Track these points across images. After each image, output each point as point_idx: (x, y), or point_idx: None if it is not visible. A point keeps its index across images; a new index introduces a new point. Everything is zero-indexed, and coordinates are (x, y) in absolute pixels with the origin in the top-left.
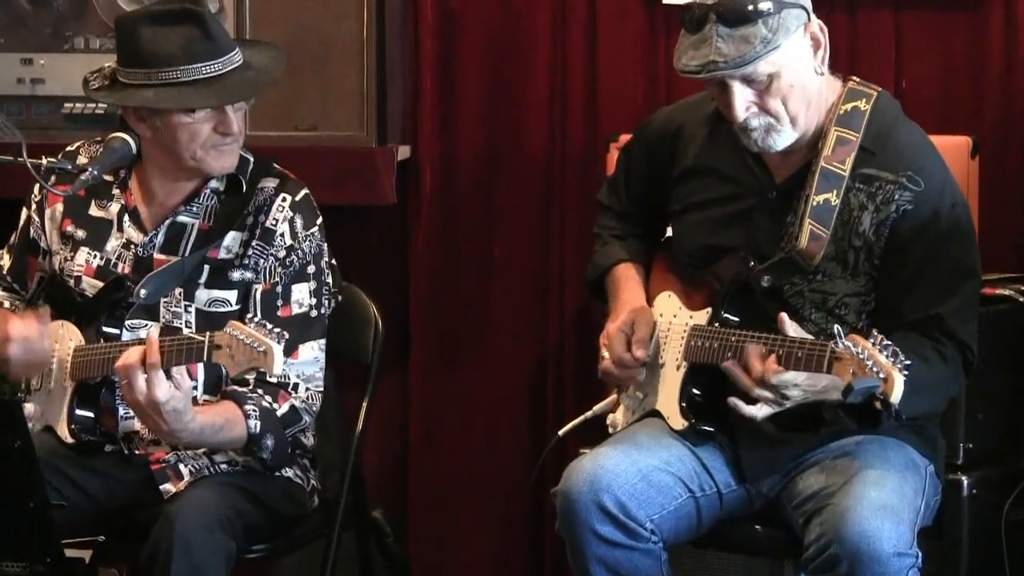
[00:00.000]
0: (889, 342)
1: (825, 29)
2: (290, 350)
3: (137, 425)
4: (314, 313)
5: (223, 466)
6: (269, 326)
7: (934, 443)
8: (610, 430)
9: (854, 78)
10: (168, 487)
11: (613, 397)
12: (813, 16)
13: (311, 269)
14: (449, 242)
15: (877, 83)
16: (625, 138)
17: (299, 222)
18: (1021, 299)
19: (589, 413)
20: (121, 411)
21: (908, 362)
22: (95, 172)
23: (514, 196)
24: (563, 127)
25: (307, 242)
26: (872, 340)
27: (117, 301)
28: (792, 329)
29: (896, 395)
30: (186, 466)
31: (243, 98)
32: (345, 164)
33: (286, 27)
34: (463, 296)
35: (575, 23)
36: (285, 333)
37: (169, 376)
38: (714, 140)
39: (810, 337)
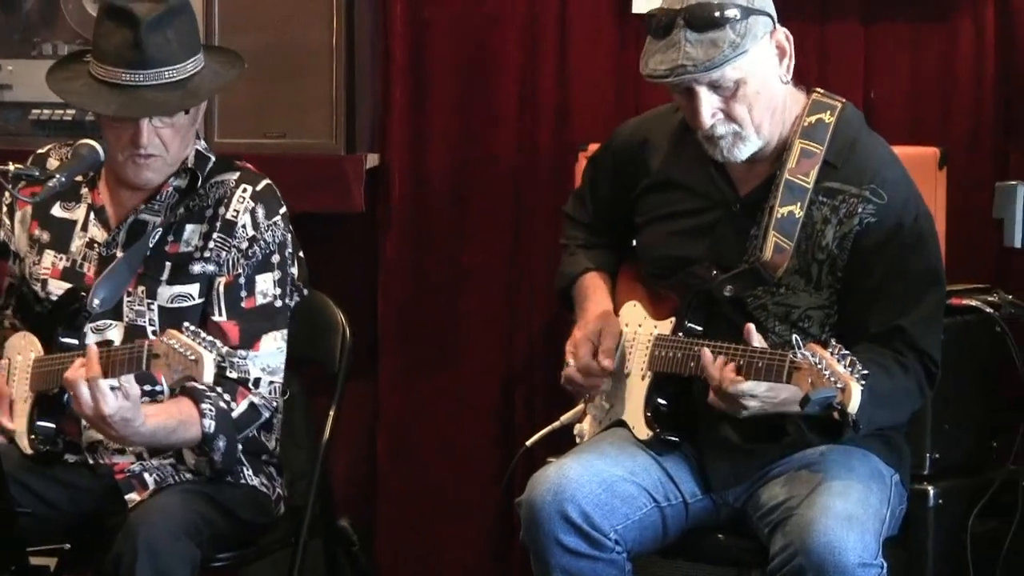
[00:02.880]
0: (847, 352)
1: (791, 38)
2: (253, 341)
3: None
4: (278, 303)
5: (188, 474)
6: (203, 335)
7: (900, 453)
8: (577, 440)
9: (818, 90)
10: (133, 496)
11: (580, 407)
12: (779, 24)
13: (275, 259)
14: (418, 250)
15: (846, 94)
16: (596, 147)
17: (260, 212)
18: (988, 310)
19: (557, 423)
20: (83, 421)
21: (866, 371)
22: (62, 179)
23: (484, 205)
24: (533, 136)
25: (270, 232)
26: (831, 350)
27: (75, 311)
28: (757, 340)
29: (853, 405)
30: (151, 475)
31: (137, 115)
32: (314, 172)
33: (256, 34)
34: (432, 305)
35: (546, 33)
36: (218, 343)
37: (116, 385)
38: (679, 152)
39: (768, 348)
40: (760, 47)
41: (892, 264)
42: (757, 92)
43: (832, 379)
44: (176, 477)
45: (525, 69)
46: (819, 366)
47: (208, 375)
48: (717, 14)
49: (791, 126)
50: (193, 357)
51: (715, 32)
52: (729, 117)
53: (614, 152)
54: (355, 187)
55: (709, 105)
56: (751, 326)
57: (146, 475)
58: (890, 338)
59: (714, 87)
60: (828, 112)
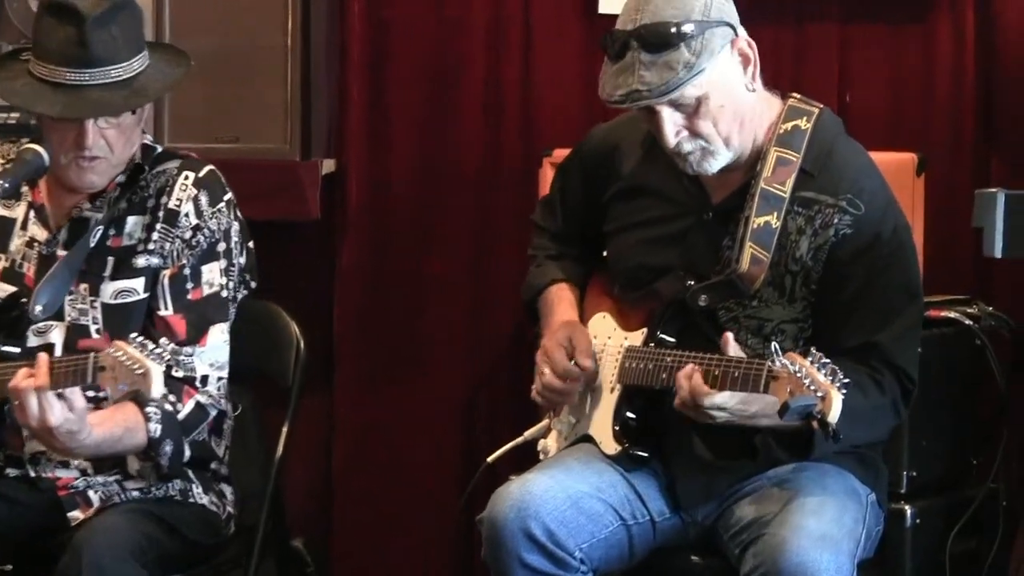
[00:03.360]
0: (827, 360)
1: (754, 45)
2: (200, 335)
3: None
4: (225, 293)
5: (134, 492)
6: (150, 346)
7: (876, 470)
8: (541, 456)
9: (794, 95)
10: (76, 514)
11: (545, 422)
12: (741, 31)
13: (221, 247)
14: (377, 259)
15: (821, 97)
16: (561, 153)
17: (204, 199)
18: (967, 322)
19: (520, 439)
20: (26, 431)
21: (847, 380)
22: (5, 184)
23: (446, 212)
24: (497, 141)
25: (214, 219)
26: (810, 358)
27: (16, 319)
28: (734, 349)
29: (834, 414)
30: (96, 492)
31: (83, 116)
32: (268, 178)
33: (208, 35)
34: (391, 316)
35: (511, 34)
36: (164, 354)
37: (62, 396)
38: (650, 159)
39: (746, 357)
40: (720, 60)
41: (868, 277)
42: (721, 106)
43: (812, 387)
44: (122, 495)
45: (488, 71)
46: (799, 375)
47: (157, 389)
48: (672, 31)
49: (765, 133)
50: (140, 370)
51: (669, 53)
52: (694, 133)
53: (584, 158)
54: (311, 193)
55: (672, 124)
56: (729, 335)
57: (90, 492)
58: (865, 354)
59: (675, 106)
60: (804, 118)
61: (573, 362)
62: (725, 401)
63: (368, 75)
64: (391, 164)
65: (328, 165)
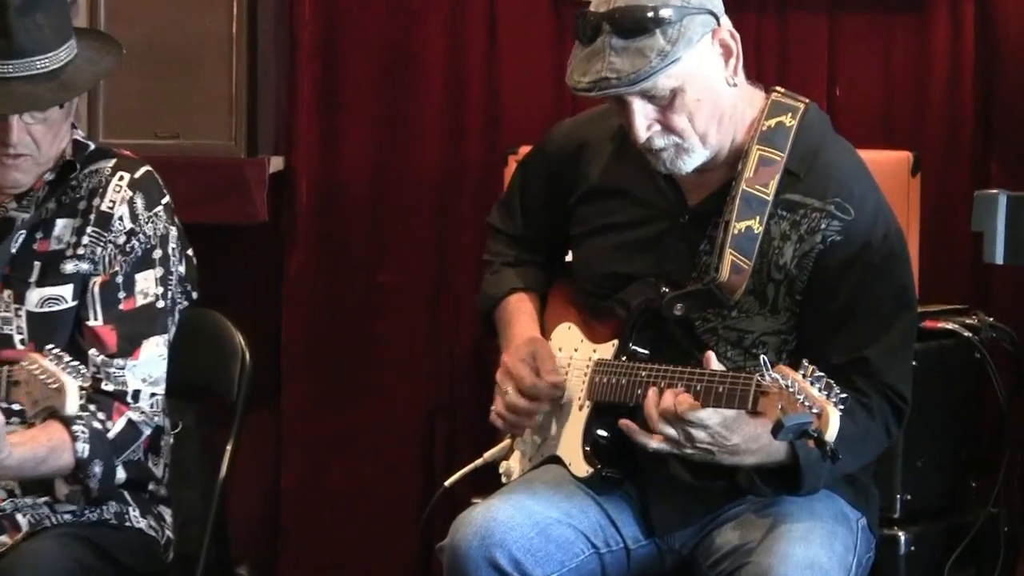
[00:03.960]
0: (822, 374)
1: (737, 36)
2: (132, 348)
3: None
4: (160, 304)
5: (66, 516)
6: (66, 359)
7: (867, 494)
8: (503, 479)
9: (778, 89)
10: (4, 539)
11: (507, 442)
12: (724, 20)
13: (156, 254)
14: (329, 267)
15: (808, 92)
16: (526, 151)
17: (139, 202)
18: (966, 334)
19: (479, 461)
20: None
21: (844, 395)
22: None
23: (404, 215)
24: (459, 139)
25: (150, 224)
26: (802, 371)
27: None
28: (717, 366)
29: (831, 432)
30: (24, 515)
31: (8, 111)
32: (211, 177)
33: (146, 23)
34: (343, 327)
35: (474, 23)
36: (82, 368)
37: None
38: (621, 157)
39: (729, 371)
40: (698, 50)
41: (858, 288)
42: (698, 100)
43: (806, 403)
44: (52, 518)
45: (450, 63)
46: (791, 390)
47: (72, 406)
48: (649, 15)
49: (747, 130)
50: (55, 385)
51: (643, 39)
52: (667, 128)
53: (547, 156)
54: (257, 194)
55: (643, 117)
56: (711, 355)
57: (18, 515)
58: (853, 371)
59: (648, 97)
60: (789, 114)
61: (543, 380)
62: (707, 418)
63: (320, 66)
64: (344, 163)
65: (276, 163)
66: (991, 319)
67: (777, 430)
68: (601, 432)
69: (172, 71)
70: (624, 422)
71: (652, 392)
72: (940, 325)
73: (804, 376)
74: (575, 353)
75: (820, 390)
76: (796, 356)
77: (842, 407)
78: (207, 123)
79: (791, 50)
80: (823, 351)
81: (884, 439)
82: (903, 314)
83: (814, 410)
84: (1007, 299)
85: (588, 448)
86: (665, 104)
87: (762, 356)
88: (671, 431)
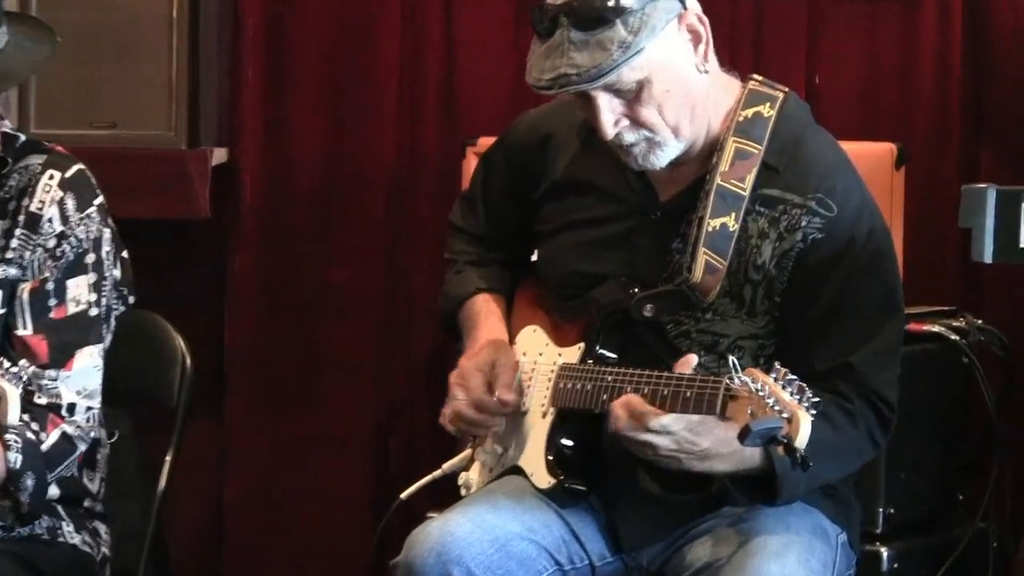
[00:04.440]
0: (794, 377)
1: (706, 20)
2: (65, 358)
3: None
4: (94, 311)
5: None
6: (5, 364)
7: (847, 507)
8: (463, 492)
9: (756, 77)
10: None
11: (467, 452)
12: (691, 3)
13: (89, 258)
14: (276, 265)
15: (786, 79)
16: (487, 143)
17: (70, 203)
18: (953, 337)
19: (438, 472)
20: None
21: (817, 399)
22: None
23: (355, 210)
24: (415, 130)
25: (82, 226)
26: (774, 375)
27: None
28: (690, 370)
29: (802, 438)
30: None
31: None
32: (149, 169)
33: (80, 5)
34: (291, 330)
35: (430, 7)
36: (22, 375)
37: None
38: (589, 149)
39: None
40: (664, 38)
41: (841, 289)
42: (667, 90)
43: (776, 408)
44: None
45: (405, 49)
46: (761, 393)
47: (13, 415)
48: (609, 4)
49: (722, 121)
50: None
51: (603, 31)
52: (636, 122)
53: (511, 148)
54: (199, 188)
55: (609, 112)
56: (692, 357)
57: None
58: (836, 377)
59: (613, 91)
60: (767, 104)
61: (495, 397)
62: (670, 424)
63: (266, 51)
64: (292, 155)
65: (219, 155)
66: (979, 321)
67: (744, 435)
68: (565, 441)
69: (108, 57)
70: (615, 405)
71: (616, 405)
72: (926, 328)
73: (776, 379)
74: (540, 357)
75: (792, 394)
76: (775, 362)
77: (814, 412)
78: (146, 112)
79: (768, 35)
80: (804, 356)
81: (869, 448)
82: (889, 317)
83: (784, 415)
84: (996, 300)
85: (551, 458)
86: (632, 97)
87: (731, 358)
88: (645, 437)
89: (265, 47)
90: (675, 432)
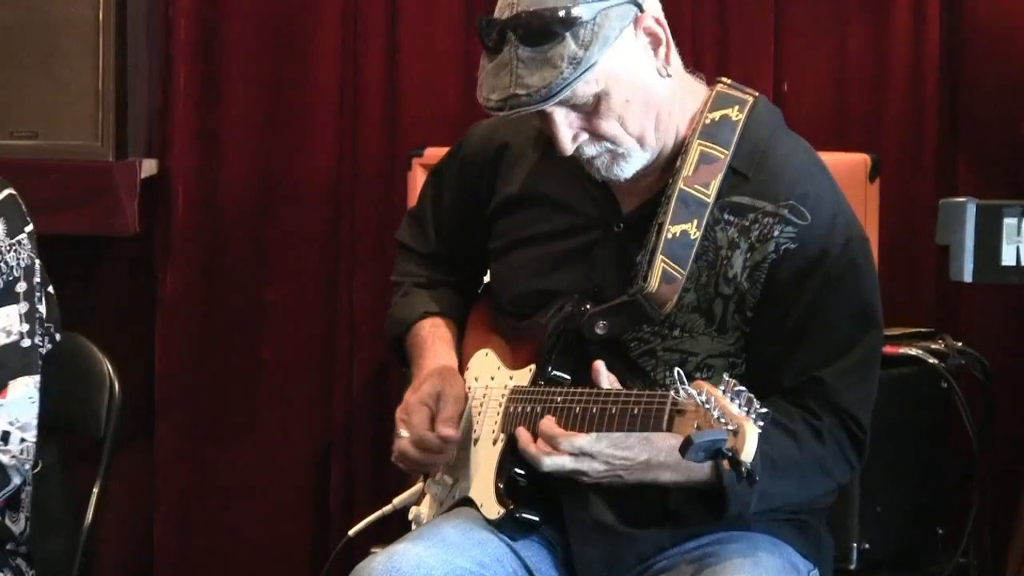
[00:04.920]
0: (743, 388)
1: (664, 22)
2: None
3: None
4: (27, 342)
5: None
6: None
7: (819, 542)
8: (413, 527)
9: (724, 80)
10: None
11: (418, 486)
12: (649, 5)
13: (20, 287)
14: (208, 284)
15: (751, 85)
16: (434, 154)
17: (0, 229)
18: (931, 360)
19: (388, 507)
20: None
21: (764, 411)
22: None
23: (293, 226)
24: (357, 140)
25: (12, 253)
26: (722, 386)
27: None
28: (607, 380)
29: (748, 451)
30: None
31: None
32: (74, 182)
33: (1, 8)
34: (226, 353)
35: (372, 9)
36: None
37: None
38: (547, 160)
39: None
40: (619, 47)
41: (814, 301)
42: (626, 100)
43: (722, 420)
44: None
45: (345, 54)
46: (707, 406)
47: None
48: (560, 15)
49: (688, 125)
50: None
51: (552, 46)
52: (597, 136)
53: (463, 161)
54: (127, 202)
55: (567, 127)
56: (599, 364)
57: None
58: (803, 393)
59: (569, 105)
60: (736, 108)
61: (436, 433)
62: (589, 445)
63: (197, 57)
64: (226, 167)
65: (149, 167)
66: (959, 344)
67: (686, 448)
68: (517, 469)
69: (30, 62)
70: (519, 431)
71: (521, 431)
72: (902, 351)
73: (724, 391)
74: (491, 382)
75: (740, 406)
76: (746, 381)
77: (762, 423)
78: (70, 121)
79: (732, 39)
80: (775, 374)
81: (842, 468)
82: (865, 333)
83: (729, 427)
84: (976, 321)
85: (501, 486)
86: (590, 110)
87: (676, 370)
88: (561, 461)
89: (197, 52)
90: (598, 452)
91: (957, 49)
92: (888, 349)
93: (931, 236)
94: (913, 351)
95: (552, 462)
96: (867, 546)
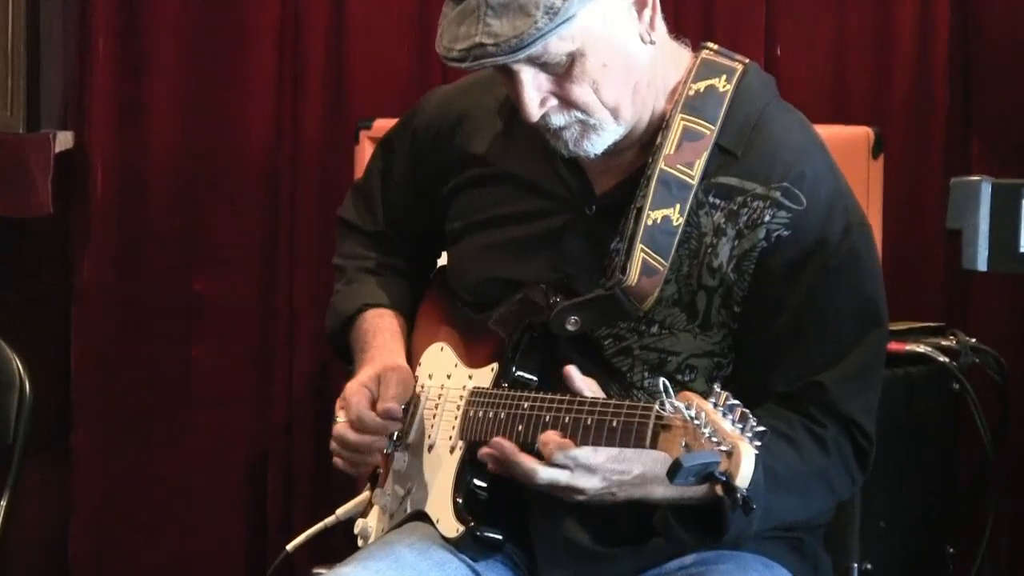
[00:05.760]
0: (737, 403)
1: None
2: None
3: None
4: None
5: None
6: None
7: (815, 562)
8: (360, 542)
9: (710, 46)
10: None
11: (364, 495)
12: None
13: None
14: (131, 272)
15: (739, 49)
16: (384, 126)
17: None
18: (942, 359)
19: (331, 519)
20: None
21: (762, 429)
22: None
23: (225, 209)
24: (296, 111)
25: None
26: (713, 399)
27: None
28: (584, 385)
29: (743, 475)
30: None
31: None
32: None
33: None
34: (151, 350)
35: None
36: None
37: None
38: (512, 133)
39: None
40: (602, 2)
41: (810, 296)
42: (604, 65)
43: (714, 439)
44: None
45: (285, 16)
46: (696, 422)
47: None
48: None
49: (669, 97)
50: None
51: None
52: (567, 103)
53: (417, 131)
54: (39, 179)
55: (535, 90)
56: (571, 369)
57: None
58: (803, 399)
59: (539, 65)
60: (723, 77)
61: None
62: (586, 457)
63: (119, 20)
64: (150, 141)
65: (64, 140)
66: (972, 340)
67: (674, 472)
68: (477, 481)
69: None
70: (498, 440)
71: (501, 440)
72: (908, 348)
73: (715, 404)
74: (448, 380)
75: (733, 422)
76: (733, 385)
77: (759, 443)
78: None
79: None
80: (767, 376)
81: (844, 482)
82: (868, 331)
83: (722, 447)
84: (991, 315)
85: (460, 501)
86: (562, 72)
87: (661, 380)
88: (559, 476)
89: (119, 14)
90: (598, 466)
91: (971, 7)
92: (893, 346)
93: (941, 220)
94: (921, 348)
95: (548, 475)
96: (869, 566)
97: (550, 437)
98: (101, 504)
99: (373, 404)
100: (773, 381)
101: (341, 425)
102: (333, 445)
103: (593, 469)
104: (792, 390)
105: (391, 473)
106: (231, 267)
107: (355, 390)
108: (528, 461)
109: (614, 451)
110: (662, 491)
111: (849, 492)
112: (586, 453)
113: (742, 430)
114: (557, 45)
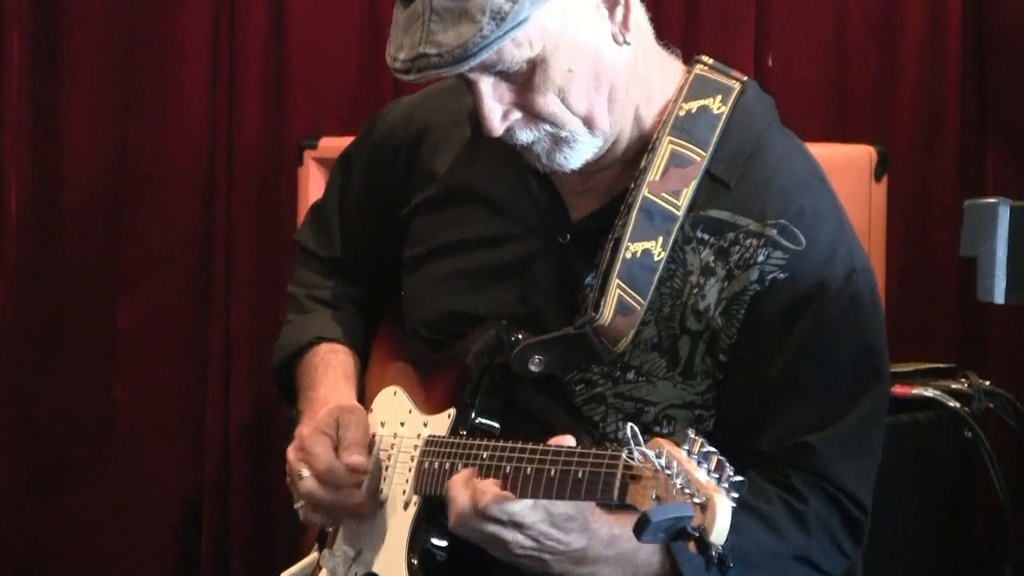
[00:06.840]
0: (713, 450)
1: None
2: None
3: None
4: None
5: None
6: None
7: None
8: None
9: (705, 60)
10: None
11: (312, 558)
12: None
13: None
14: (47, 301)
15: (727, 60)
16: (332, 145)
17: None
18: (952, 403)
19: None
20: None
21: (739, 479)
22: None
23: (155, 230)
24: (232, 123)
25: None
26: (687, 446)
27: None
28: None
29: (719, 531)
30: None
31: None
32: None
33: None
34: (68, 383)
35: None
36: None
37: None
38: (479, 149)
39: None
40: (562, 1)
41: (805, 347)
42: (569, 70)
43: (687, 491)
44: None
45: (220, 15)
46: (668, 471)
47: None
48: None
49: (657, 113)
50: None
51: None
52: (532, 114)
53: (375, 144)
54: None
55: (495, 101)
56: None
57: None
58: (787, 462)
59: (497, 74)
60: (718, 97)
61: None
62: (521, 514)
63: (35, 17)
64: (69, 153)
65: None
66: (986, 383)
67: (641, 528)
68: (435, 540)
69: None
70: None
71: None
72: (915, 392)
73: (689, 452)
74: (401, 428)
75: (709, 472)
76: (714, 440)
77: (736, 495)
78: None
79: (705, 5)
80: (752, 433)
81: (834, 559)
82: (867, 388)
83: (696, 499)
84: (1007, 354)
85: (415, 562)
86: (523, 81)
87: (629, 425)
88: (490, 528)
89: (34, 11)
90: (530, 525)
91: (985, 14)
92: (899, 390)
93: (953, 247)
94: (929, 392)
95: (467, 525)
96: None
97: (488, 487)
98: (10, 553)
99: (336, 451)
100: (756, 439)
101: (309, 481)
102: (301, 504)
103: (525, 526)
104: (776, 450)
105: (340, 531)
106: (159, 295)
107: (315, 440)
108: (463, 497)
109: (558, 512)
110: (608, 572)
111: (841, 568)
112: (522, 508)
113: (718, 480)
114: (512, 52)
